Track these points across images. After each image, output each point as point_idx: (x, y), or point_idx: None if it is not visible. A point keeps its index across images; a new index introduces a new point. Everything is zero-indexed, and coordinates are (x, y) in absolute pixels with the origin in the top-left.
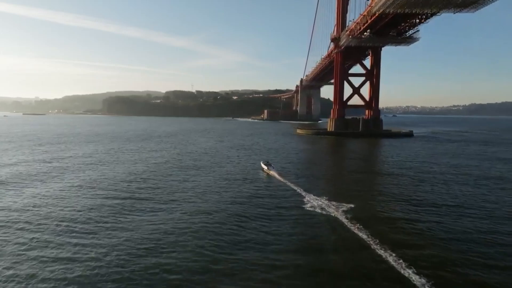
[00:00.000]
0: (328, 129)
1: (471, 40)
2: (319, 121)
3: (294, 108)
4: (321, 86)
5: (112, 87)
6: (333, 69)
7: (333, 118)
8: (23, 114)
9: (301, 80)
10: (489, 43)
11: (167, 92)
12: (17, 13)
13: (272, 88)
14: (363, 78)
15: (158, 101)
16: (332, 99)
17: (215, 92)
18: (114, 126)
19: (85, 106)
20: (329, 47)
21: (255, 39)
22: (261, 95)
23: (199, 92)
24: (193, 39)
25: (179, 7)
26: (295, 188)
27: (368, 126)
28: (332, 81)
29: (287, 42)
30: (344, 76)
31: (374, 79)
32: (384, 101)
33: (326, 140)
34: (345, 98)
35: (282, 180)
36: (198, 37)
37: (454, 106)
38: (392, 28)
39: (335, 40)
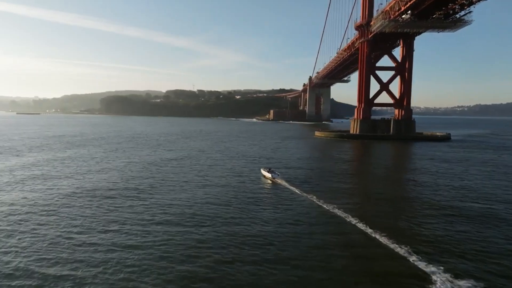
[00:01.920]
0: (352, 131)
1: (474, 40)
2: (331, 122)
3: (301, 108)
4: (333, 84)
5: (112, 86)
6: (353, 63)
7: (357, 119)
8: (17, 113)
9: (310, 78)
10: (492, 43)
11: (167, 91)
12: (18, 13)
13: (275, 87)
14: (391, 73)
15: (158, 100)
16: (337, 99)
17: (217, 91)
18: (98, 127)
19: (83, 106)
20: (342, 42)
21: (255, 39)
22: (264, 94)
23: (200, 91)
24: (194, 39)
25: (180, 7)
26: (318, 202)
27: (399, 128)
28: (346, 78)
29: (287, 43)
30: (371, 69)
31: (406, 73)
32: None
33: (351, 144)
34: (370, 95)
35: (298, 192)
36: (199, 37)
37: (458, 107)
38: (439, 8)
39: (361, 27)
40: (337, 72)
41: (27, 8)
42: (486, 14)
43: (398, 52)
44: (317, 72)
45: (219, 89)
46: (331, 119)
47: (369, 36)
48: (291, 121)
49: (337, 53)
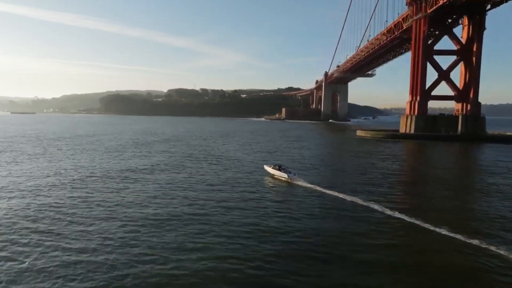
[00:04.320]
0: (404, 130)
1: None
2: (348, 121)
3: (313, 106)
4: (354, 78)
5: (112, 86)
6: (389, 51)
7: (411, 115)
8: (11, 113)
9: (326, 74)
10: (496, 43)
11: (169, 90)
12: (18, 13)
13: (275, 87)
14: (450, 58)
15: (160, 99)
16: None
17: (221, 90)
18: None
19: (83, 106)
20: (364, 35)
21: (255, 39)
22: (271, 93)
23: (203, 90)
24: (194, 39)
25: (180, 7)
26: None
27: (469, 126)
28: (371, 71)
29: (287, 43)
30: (428, 54)
31: (474, 58)
32: (387, 102)
33: (406, 145)
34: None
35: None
36: (199, 37)
37: (447, 107)
38: None
39: (417, 1)
40: (365, 63)
41: (27, 8)
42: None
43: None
44: (337, 66)
45: (220, 89)
46: (348, 118)
47: (430, 11)
48: (304, 120)
49: (372, 38)
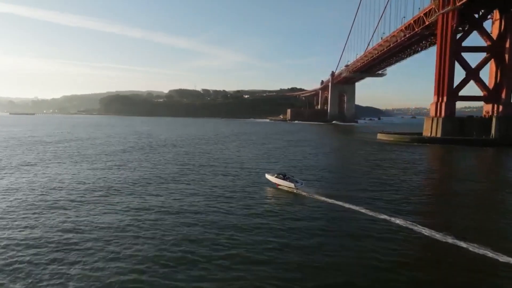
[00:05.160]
0: (429, 134)
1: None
2: (356, 123)
3: (318, 107)
4: (363, 78)
5: (112, 87)
6: (405, 48)
7: (437, 117)
8: (10, 113)
9: (333, 74)
10: None
11: (170, 91)
12: (19, 13)
13: (275, 88)
14: (479, 56)
15: (161, 100)
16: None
17: (223, 91)
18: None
19: (83, 106)
20: (373, 34)
21: (255, 40)
22: (274, 93)
23: (205, 90)
24: (194, 40)
25: (180, 8)
26: None
27: (501, 130)
28: (381, 71)
29: (287, 43)
30: (456, 50)
31: (506, 55)
32: (388, 102)
33: (432, 150)
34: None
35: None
36: (199, 37)
37: (465, 108)
38: None
39: None
40: (377, 62)
41: (27, 8)
42: None
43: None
44: (346, 66)
45: (221, 89)
46: (356, 120)
47: (460, 3)
48: (310, 122)
49: (386, 36)
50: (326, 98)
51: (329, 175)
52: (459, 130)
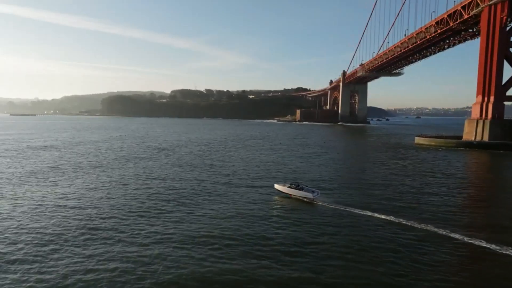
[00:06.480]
0: (472, 137)
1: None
2: (368, 124)
3: (327, 107)
4: (377, 78)
5: (114, 88)
6: (433, 44)
7: (482, 119)
8: (10, 114)
9: (344, 73)
10: None
11: (173, 91)
12: (19, 14)
13: (276, 88)
14: None
15: (164, 100)
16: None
17: (228, 91)
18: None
19: (84, 107)
20: (388, 33)
21: (257, 40)
22: (279, 94)
23: (208, 90)
24: (196, 41)
25: (182, 9)
26: None
27: None
28: (398, 70)
29: (289, 44)
30: (505, 45)
31: None
32: (390, 103)
33: (477, 156)
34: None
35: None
36: (201, 38)
37: (468, 107)
38: None
39: None
40: (397, 60)
41: (28, 9)
42: None
43: None
44: (361, 65)
45: (226, 90)
46: (368, 120)
47: None
48: (321, 123)
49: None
50: (336, 98)
51: (368, 186)
52: (511, 134)
